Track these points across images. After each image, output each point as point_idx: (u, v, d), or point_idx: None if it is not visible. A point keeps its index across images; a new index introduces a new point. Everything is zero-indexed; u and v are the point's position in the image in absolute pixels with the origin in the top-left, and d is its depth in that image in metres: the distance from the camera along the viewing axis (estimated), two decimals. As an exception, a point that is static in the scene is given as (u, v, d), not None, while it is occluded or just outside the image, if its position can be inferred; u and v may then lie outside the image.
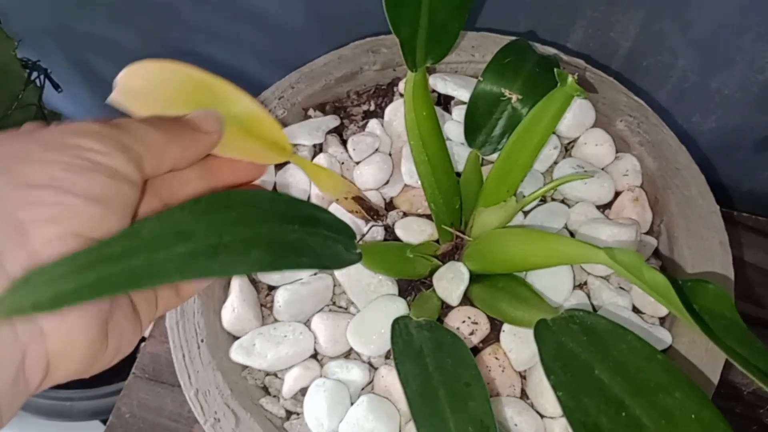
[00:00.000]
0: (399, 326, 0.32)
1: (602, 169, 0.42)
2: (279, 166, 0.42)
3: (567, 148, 0.43)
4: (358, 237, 0.40)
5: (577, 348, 0.28)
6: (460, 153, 0.41)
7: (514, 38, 0.41)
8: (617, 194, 0.41)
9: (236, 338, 0.38)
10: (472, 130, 0.38)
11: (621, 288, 0.38)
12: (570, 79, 0.32)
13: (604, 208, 0.41)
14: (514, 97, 0.37)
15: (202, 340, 0.38)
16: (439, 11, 0.31)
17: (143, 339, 0.55)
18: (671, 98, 0.56)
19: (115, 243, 0.23)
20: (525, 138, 0.34)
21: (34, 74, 0.67)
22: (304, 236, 0.29)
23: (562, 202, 0.41)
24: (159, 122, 0.27)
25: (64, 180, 0.23)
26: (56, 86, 0.69)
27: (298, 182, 0.42)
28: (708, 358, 0.35)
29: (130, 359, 0.55)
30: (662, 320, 0.38)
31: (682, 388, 0.25)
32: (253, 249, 0.26)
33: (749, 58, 0.49)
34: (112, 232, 0.23)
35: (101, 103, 0.82)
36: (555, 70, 0.32)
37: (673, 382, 0.25)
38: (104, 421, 0.57)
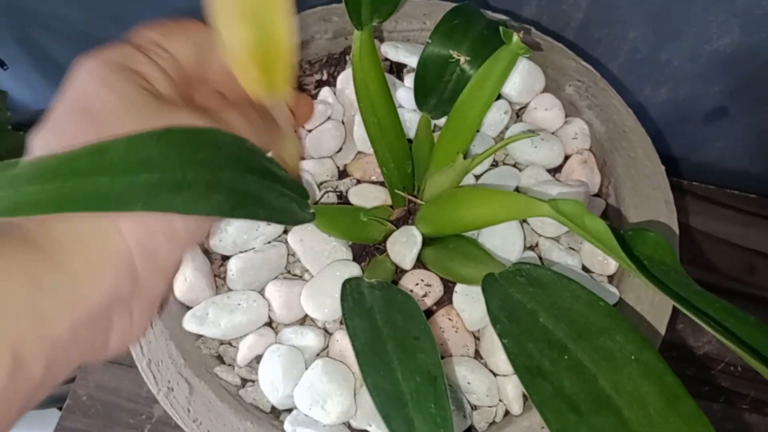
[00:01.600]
0: (350, 286, 0.32)
1: (552, 133, 0.42)
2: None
3: (518, 114, 0.44)
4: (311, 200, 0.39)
5: (523, 298, 0.28)
6: (413, 120, 0.41)
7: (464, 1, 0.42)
8: (567, 157, 0.42)
9: (189, 308, 0.38)
10: (423, 94, 0.39)
11: (571, 248, 0.39)
12: (515, 37, 0.32)
13: (554, 171, 0.42)
14: (462, 59, 0.37)
15: (153, 310, 0.38)
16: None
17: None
18: (623, 70, 0.57)
19: (81, 158, 0.22)
20: (473, 98, 0.34)
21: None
22: (262, 189, 0.28)
23: (514, 166, 0.42)
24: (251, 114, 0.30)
25: (172, 228, 0.27)
26: (2, 64, 0.67)
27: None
28: (654, 312, 0.36)
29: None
30: (611, 278, 0.38)
31: (623, 331, 0.26)
32: (215, 192, 0.25)
33: (696, 29, 0.50)
34: None
35: (48, 81, 0.80)
36: (500, 28, 0.32)
37: (614, 326, 0.26)
38: (60, 408, 0.56)
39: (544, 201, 0.29)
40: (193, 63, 0.30)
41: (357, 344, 0.27)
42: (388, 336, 0.28)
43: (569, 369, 0.25)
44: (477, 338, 0.37)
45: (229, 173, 0.26)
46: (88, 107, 0.26)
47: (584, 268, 0.39)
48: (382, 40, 0.45)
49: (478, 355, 0.37)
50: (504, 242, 0.37)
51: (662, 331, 0.35)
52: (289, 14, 0.28)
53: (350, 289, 0.32)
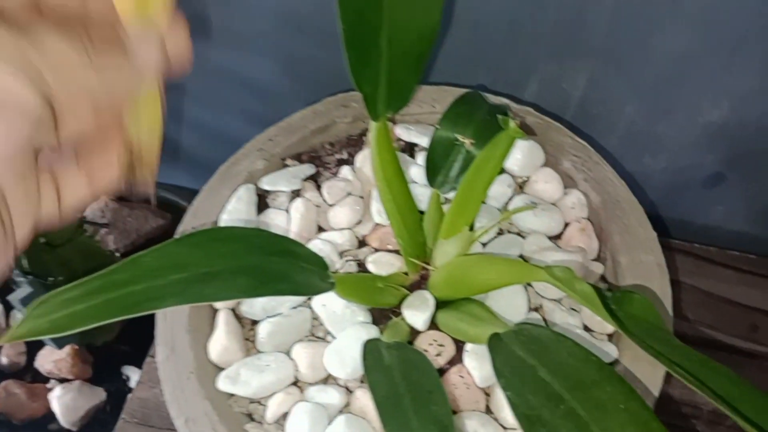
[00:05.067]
0: (370, 346, 0.36)
1: (552, 203, 0.46)
2: (259, 210, 0.47)
3: (521, 186, 0.48)
4: (332, 269, 0.44)
5: (525, 354, 0.32)
6: (425, 194, 0.46)
7: (469, 90, 0.47)
8: (567, 225, 0.46)
9: (222, 369, 0.42)
10: (432, 171, 0.43)
11: (573, 309, 0.42)
12: (512, 123, 0.37)
13: (555, 238, 0.45)
14: (467, 142, 0.42)
15: (191, 372, 0.41)
16: (396, 71, 0.37)
17: (129, 387, 0.57)
18: (622, 143, 0.61)
19: (120, 271, 0.27)
20: (476, 176, 0.38)
21: None
22: (284, 267, 0.33)
23: (518, 234, 0.46)
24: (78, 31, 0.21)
25: None
26: None
27: (277, 224, 0.46)
28: (650, 369, 0.38)
29: (116, 407, 0.58)
30: (610, 337, 0.41)
31: (613, 383, 0.29)
32: (240, 277, 0.30)
33: (688, 104, 0.54)
34: None
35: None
36: (498, 116, 0.37)
37: (604, 379, 0.29)
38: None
39: (541, 267, 0.32)
40: None
41: (377, 397, 0.30)
42: (404, 390, 0.32)
43: (565, 417, 0.28)
44: (487, 394, 0.40)
45: (251, 259, 0.30)
46: None
47: (585, 328, 0.42)
48: (395, 123, 0.50)
49: (488, 410, 0.40)
50: (509, 305, 0.40)
51: (659, 383, 0.37)
52: None
53: (370, 349, 0.35)
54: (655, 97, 0.55)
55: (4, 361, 0.75)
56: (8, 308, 0.75)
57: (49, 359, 0.74)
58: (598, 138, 0.61)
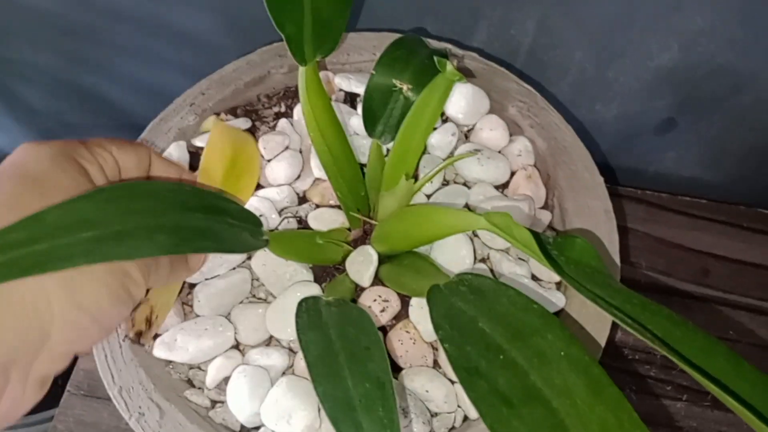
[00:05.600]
0: (306, 304, 0.34)
1: (498, 151, 0.45)
2: (193, 168, 0.44)
3: (466, 135, 0.46)
4: (270, 227, 0.42)
5: (465, 305, 0.30)
6: (367, 145, 0.44)
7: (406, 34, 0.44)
8: (513, 174, 0.44)
9: (158, 335, 0.40)
10: (371, 121, 0.41)
11: (520, 259, 0.41)
12: (449, 66, 0.35)
13: (502, 187, 0.44)
14: (404, 87, 0.40)
15: (123, 339, 0.39)
16: (321, 8, 0.34)
17: (76, 358, 0.55)
18: (573, 90, 0.60)
19: (19, 229, 0.24)
20: (415, 123, 0.36)
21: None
22: (209, 223, 0.31)
23: (464, 185, 0.44)
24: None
25: (102, 312, 0.28)
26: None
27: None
28: (598, 316, 0.38)
29: (64, 381, 0.55)
30: (558, 285, 0.41)
31: (554, 330, 0.28)
32: (158, 234, 0.27)
33: (638, 48, 0.53)
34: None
35: (23, 126, 0.81)
36: (435, 58, 0.35)
37: (545, 326, 0.28)
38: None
39: (480, 215, 0.31)
40: (132, 172, 0.34)
41: (309, 357, 0.29)
42: (340, 348, 0.30)
43: (504, 367, 0.27)
44: (435, 349, 0.39)
45: (171, 215, 0.28)
46: (30, 173, 0.27)
47: (533, 277, 0.41)
48: (336, 72, 0.48)
49: (436, 364, 0.39)
50: (454, 256, 0.39)
51: (606, 330, 0.37)
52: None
53: (306, 307, 0.33)
54: (604, 41, 0.53)
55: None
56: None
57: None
58: (549, 87, 0.59)
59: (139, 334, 0.37)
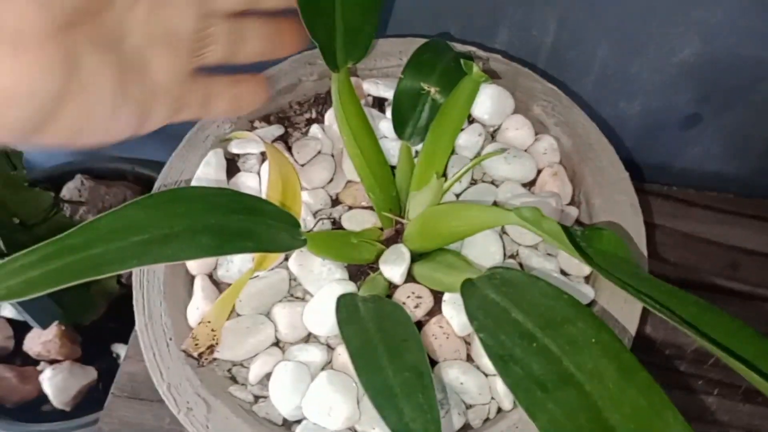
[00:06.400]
0: (344, 300, 0.36)
1: (525, 150, 0.46)
2: (230, 174, 0.46)
3: (492, 135, 0.48)
4: (305, 229, 0.43)
5: (497, 297, 0.32)
6: (396, 148, 0.45)
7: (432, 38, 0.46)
8: (539, 171, 0.45)
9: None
10: (400, 123, 0.43)
11: (549, 254, 0.42)
12: (475, 67, 0.36)
13: (529, 185, 0.45)
14: (432, 90, 0.41)
15: (170, 339, 0.41)
16: (351, 17, 0.36)
17: (119, 365, 0.57)
18: (597, 87, 0.61)
19: (76, 236, 0.27)
20: (443, 124, 0.38)
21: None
22: (248, 224, 0.32)
23: (492, 183, 0.45)
24: None
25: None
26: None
27: (249, 187, 0.45)
28: (626, 308, 0.39)
29: (108, 385, 0.58)
30: (587, 279, 0.42)
31: (584, 318, 0.29)
32: (200, 236, 0.30)
33: (659, 42, 0.54)
34: None
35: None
36: (462, 60, 0.36)
37: (576, 315, 0.29)
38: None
39: (509, 209, 0.32)
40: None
41: (351, 348, 0.30)
42: (378, 340, 0.32)
43: (537, 354, 0.28)
44: (468, 343, 0.40)
45: (212, 217, 0.30)
46: None
47: (562, 272, 0.42)
48: (364, 78, 0.49)
49: (469, 358, 0.40)
50: (484, 252, 0.40)
51: (635, 321, 0.38)
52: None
53: (344, 303, 0.35)
54: (625, 36, 0.54)
55: (-7, 345, 0.75)
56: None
57: (37, 341, 0.74)
58: (572, 85, 0.60)
59: (200, 355, 0.39)
